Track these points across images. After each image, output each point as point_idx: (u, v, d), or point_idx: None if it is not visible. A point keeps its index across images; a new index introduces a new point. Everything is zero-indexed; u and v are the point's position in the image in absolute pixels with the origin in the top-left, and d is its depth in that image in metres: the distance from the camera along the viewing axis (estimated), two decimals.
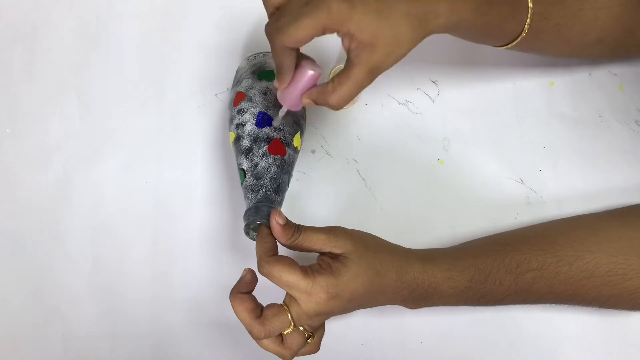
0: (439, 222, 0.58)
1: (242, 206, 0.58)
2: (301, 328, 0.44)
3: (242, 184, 0.51)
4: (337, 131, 0.61)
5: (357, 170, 0.60)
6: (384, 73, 0.62)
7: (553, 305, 0.51)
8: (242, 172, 0.51)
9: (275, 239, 0.45)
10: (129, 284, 0.58)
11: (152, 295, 0.58)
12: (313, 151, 0.61)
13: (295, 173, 0.60)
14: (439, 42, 0.63)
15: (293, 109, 0.46)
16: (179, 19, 0.65)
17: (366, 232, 0.47)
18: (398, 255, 0.46)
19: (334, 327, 0.56)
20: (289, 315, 0.43)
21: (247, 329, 0.43)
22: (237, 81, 0.56)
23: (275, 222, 0.44)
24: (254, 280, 0.46)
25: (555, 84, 0.62)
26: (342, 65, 0.57)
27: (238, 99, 0.54)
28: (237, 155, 0.52)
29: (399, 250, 0.47)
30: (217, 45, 0.65)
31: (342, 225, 0.47)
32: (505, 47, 0.51)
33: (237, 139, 0.52)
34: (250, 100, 0.52)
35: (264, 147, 0.51)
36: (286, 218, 0.45)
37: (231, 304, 0.44)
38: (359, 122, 0.61)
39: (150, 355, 0.56)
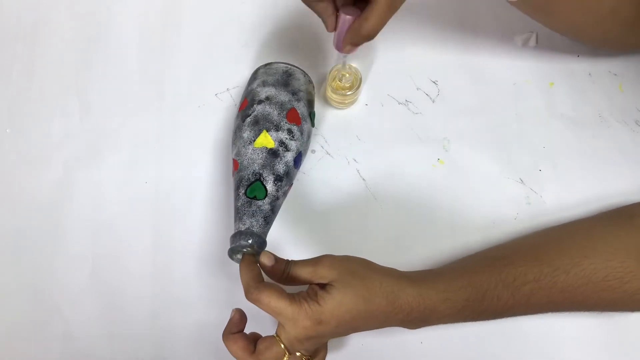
0: (439, 222, 0.58)
1: None
2: (298, 353, 0.45)
3: (253, 196, 0.50)
4: (337, 131, 0.61)
5: (357, 170, 0.60)
6: (384, 73, 0.63)
7: (554, 313, 0.51)
8: (264, 190, 0.50)
9: (259, 269, 0.46)
10: (129, 284, 0.58)
11: (152, 295, 0.57)
12: (313, 151, 0.61)
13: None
14: (439, 42, 0.64)
15: (343, 52, 0.49)
16: (179, 19, 0.66)
17: (356, 258, 0.47)
18: (388, 281, 0.45)
19: None
20: (282, 345, 0.44)
21: None
22: (294, 91, 0.55)
23: (265, 264, 0.46)
24: (243, 319, 0.47)
25: (555, 84, 0.62)
26: (340, 65, 0.57)
27: (294, 117, 0.53)
28: (264, 166, 0.51)
29: (390, 274, 0.47)
30: (217, 45, 0.65)
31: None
32: None
33: (275, 154, 0.51)
34: (301, 133, 0.53)
35: (287, 187, 0.52)
36: (275, 257, 0.47)
37: (225, 345, 0.45)
38: (359, 122, 0.61)
39: (150, 355, 0.56)
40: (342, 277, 0.44)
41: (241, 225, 0.49)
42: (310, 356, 0.46)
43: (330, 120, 0.62)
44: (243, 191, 0.50)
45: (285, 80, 0.56)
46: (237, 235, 0.48)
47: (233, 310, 0.48)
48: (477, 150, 0.60)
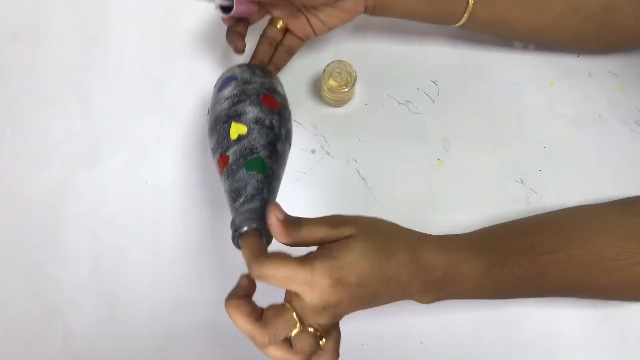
0: (439, 222, 0.58)
1: None
2: (311, 329, 0.39)
3: (259, 170, 0.47)
4: (337, 131, 0.61)
5: (357, 170, 0.60)
6: (383, 73, 0.63)
7: (562, 297, 0.50)
8: (270, 172, 0.48)
9: (262, 243, 0.42)
10: (129, 284, 0.58)
11: (152, 296, 0.57)
12: (313, 151, 0.61)
13: (295, 173, 0.60)
14: (439, 42, 0.64)
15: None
16: (179, 19, 0.66)
17: (373, 216, 0.43)
18: (410, 236, 0.42)
19: None
20: (294, 313, 0.38)
21: (248, 336, 0.39)
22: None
23: (275, 218, 0.39)
24: (252, 285, 0.41)
25: (555, 84, 0.62)
26: (333, 64, 0.57)
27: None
28: (280, 164, 0.49)
29: (411, 231, 0.44)
30: (217, 45, 0.65)
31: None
32: (461, 21, 0.50)
33: (244, 137, 0.49)
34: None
35: (282, 165, 0.51)
36: (285, 213, 0.40)
37: (227, 311, 0.39)
38: (359, 122, 0.61)
39: (150, 355, 0.56)
40: (363, 229, 0.40)
41: (240, 208, 0.46)
42: (323, 333, 0.40)
43: (330, 120, 0.62)
44: (237, 169, 0.48)
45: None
46: (238, 218, 0.44)
47: (241, 276, 0.42)
48: (477, 150, 0.60)
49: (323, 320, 0.39)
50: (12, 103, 0.63)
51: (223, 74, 0.54)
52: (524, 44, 0.63)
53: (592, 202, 0.58)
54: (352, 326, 0.56)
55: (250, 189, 0.47)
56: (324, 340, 0.40)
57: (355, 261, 0.38)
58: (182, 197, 0.60)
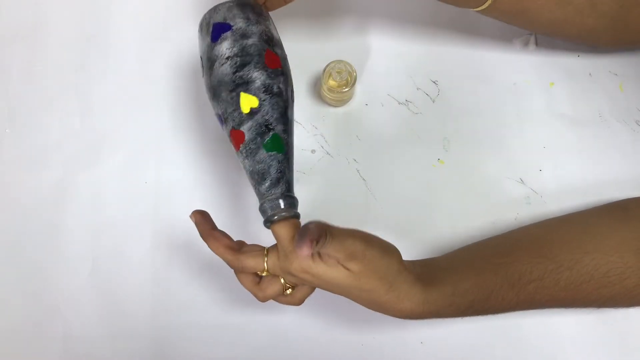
0: (439, 222, 0.58)
1: (241, 206, 0.57)
2: (282, 280, 0.45)
3: (279, 150, 0.46)
4: (337, 131, 0.61)
5: (357, 170, 0.60)
6: (384, 73, 0.63)
7: (555, 312, 0.51)
8: (287, 147, 0.47)
9: (293, 226, 0.45)
10: (129, 284, 0.58)
11: (152, 295, 0.57)
12: (313, 151, 0.61)
13: (295, 173, 0.59)
14: (439, 42, 0.64)
15: None
16: (179, 18, 0.65)
17: (386, 254, 0.43)
18: (400, 284, 0.43)
19: (334, 326, 0.56)
20: (265, 259, 0.44)
21: (224, 260, 0.45)
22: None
23: (306, 252, 0.40)
24: (207, 216, 0.46)
25: (555, 84, 0.62)
26: (333, 64, 0.57)
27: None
28: (292, 133, 0.48)
29: (403, 274, 0.43)
30: None
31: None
32: (484, 5, 0.50)
33: (258, 111, 0.46)
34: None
35: (292, 135, 0.50)
36: (313, 245, 0.39)
37: (208, 245, 0.45)
38: (359, 122, 0.61)
39: (150, 355, 0.56)
40: (366, 271, 0.41)
41: (266, 193, 0.46)
42: (291, 287, 0.45)
43: (330, 120, 0.62)
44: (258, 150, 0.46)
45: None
46: (269, 206, 0.45)
47: (192, 215, 0.46)
48: (477, 150, 0.60)
49: (287, 278, 0.44)
50: (12, 103, 0.63)
51: (211, 17, 0.48)
52: (524, 44, 0.63)
53: (592, 203, 0.58)
54: (352, 326, 0.56)
55: (273, 172, 0.46)
56: (290, 290, 0.46)
57: (328, 282, 0.42)
58: (182, 197, 0.60)
